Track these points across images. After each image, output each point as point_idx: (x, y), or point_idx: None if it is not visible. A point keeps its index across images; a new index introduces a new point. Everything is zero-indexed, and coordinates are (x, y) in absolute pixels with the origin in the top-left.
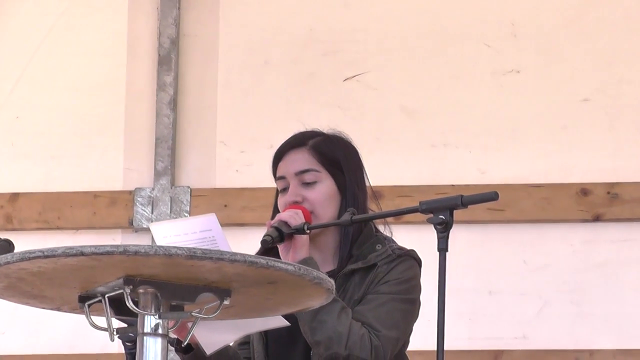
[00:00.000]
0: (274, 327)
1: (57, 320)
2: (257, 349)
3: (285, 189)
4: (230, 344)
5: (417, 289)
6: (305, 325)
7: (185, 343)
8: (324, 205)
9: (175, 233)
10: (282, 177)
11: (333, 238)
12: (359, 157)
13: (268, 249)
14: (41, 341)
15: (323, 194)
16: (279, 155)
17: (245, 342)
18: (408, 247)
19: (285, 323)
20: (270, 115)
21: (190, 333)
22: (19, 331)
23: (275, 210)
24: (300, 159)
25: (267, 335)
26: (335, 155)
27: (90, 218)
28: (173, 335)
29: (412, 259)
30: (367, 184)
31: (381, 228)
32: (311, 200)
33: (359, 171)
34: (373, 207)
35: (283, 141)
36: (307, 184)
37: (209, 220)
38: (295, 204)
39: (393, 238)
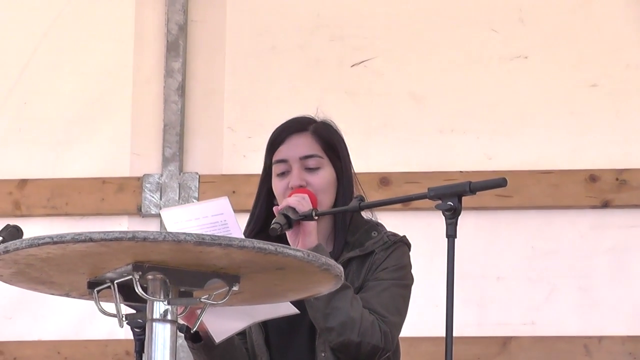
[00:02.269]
0: (283, 315)
1: (64, 306)
2: (257, 341)
3: (284, 173)
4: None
5: (411, 274)
6: (318, 312)
7: (194, 330)
8: (324, 191)
9: (186, 218)
10: (284, 161)
11: (327, 224)
12: (346, 145)
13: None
14: (48, 327)
15: (325, 180)
16: (280, 139)
17: (241, 332)
18: (417, 233)
19: (294, 310)
20: (278, 101)
21: (199, 319)
22: (27, 317)
23: (263, 195)
24: (304, 144)
25: (266, 327)
26: (333, 141)
27: (99, 204)
28: (182, 322)
29: (405, 245)
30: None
31: (367, 214)
32: (314, 186)
33: (349, 157)
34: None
35: (279, 125)
36: (310, 169)
37: (220, 204)
38: (300, 188)
39: (387, 223)
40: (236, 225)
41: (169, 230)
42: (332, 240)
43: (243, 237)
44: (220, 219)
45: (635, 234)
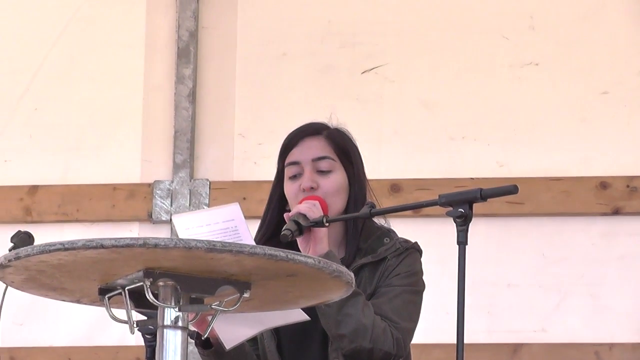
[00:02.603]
0: (294, 322)
1: (75, 313)
2: (269, 347)
3: (295, 176)
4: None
5: (422, 281)
6: (330, 319)
7: (205, 336)
8: (335, 195)
9: (197, 224)
10: (296, 163)
11: (338, 230)
12: (360, 153)
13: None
14: (59, 333)
15: (336, 184)
16: (294, 142)
17: (252, 339)
18: (428, 240)
19: (305, 317)
20: (288, 108)
21: (210, 326)
22: (38, 323)
23: (275, 201)
24: (317, 146)
25: (279, 334)
26: (346, 146)
27: (109, 211)
28: (193, 328)
29: (417, 252)
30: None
31: (379, 220)
32: (325, 189)
33: (362, 165)
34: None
35: (292, 130)
36: (322, 172)
37: (231, 210)
38: (310, 191)
39: (397, 229)
40: (247, 232)
41: (180, 236)
42: (344, 246)
43: (254, 243)
44: (231, 225)
45: None
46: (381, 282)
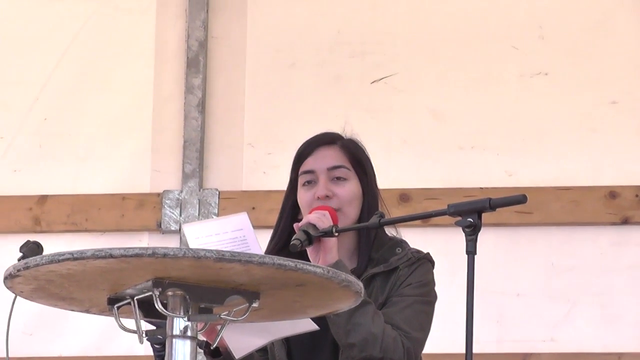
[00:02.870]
0: (303, 332)
1: (84, 322)
2: (280, 356)
3: (310, 183)
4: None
5: (434, 291)
6: (340, 328)
7: (214, 346)
8: (351, 204)
9: (207, 234)
10: (311, 171)
11: (351, 240)
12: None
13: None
14: (69, 343)
15: (351, 192)
16: (308, 151)
17: (262, 348)
18: (437, 250)
19: (314, 327)
20: (298, 118)
21: (219, 336)
22: (47, 333)
23: (287, 210)
24: (333, 155)
25: (289, 342)
26: (360, 156)
27: (118, 220)
28: (202, 338)
29: (429, 262)
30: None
31: (391, 231)
32: (340, 197)
33: (375, 176)
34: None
35: (306, 140)
36: (338, 180)
37: (240, 220)
38: (325, 199)
39: (406, 239)
40: (255, 241)
41: (189, 245)
42: (356, 256)
43: (262, 252)
44: (239, 235)
45: None
46: (393, 292)
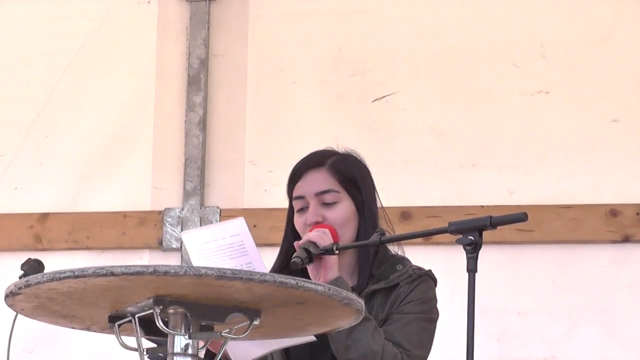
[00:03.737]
0: (302, 342)
1: (85, 340)
2: None
3: (302, 209)
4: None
5: (436, 309)
6: (340, 344)
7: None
8: (343, 226)
9: (205, 240)
10: (301, 197)
11: (351, 257)
12: (371, 176)
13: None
14: None
15: (343, 214)
16: (298, 175)
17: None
18: (438, 268)
19: (311, 337)
20: (299, 136)
21: (220, 353)
22: (48, 351)
23: (289, 230)
24: (320, 179)
25: (289, 356)
26: (352, 174)
27: (120, 238)
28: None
29: (430, 280)
30: (378, 204)
31: (393, 248)
32: (331, 221)
33: (373, 190)
34: (383, 227)
35: (299, 160)
36: (327, 205)
37: (237, 225)
38: (321, 223)
39: (408, 257)
40: (253, 246)
41: (188, 252)
42: (357, 273)
43: (259, 257)
44: (237, 240)
45: None
46: (394, 309)
